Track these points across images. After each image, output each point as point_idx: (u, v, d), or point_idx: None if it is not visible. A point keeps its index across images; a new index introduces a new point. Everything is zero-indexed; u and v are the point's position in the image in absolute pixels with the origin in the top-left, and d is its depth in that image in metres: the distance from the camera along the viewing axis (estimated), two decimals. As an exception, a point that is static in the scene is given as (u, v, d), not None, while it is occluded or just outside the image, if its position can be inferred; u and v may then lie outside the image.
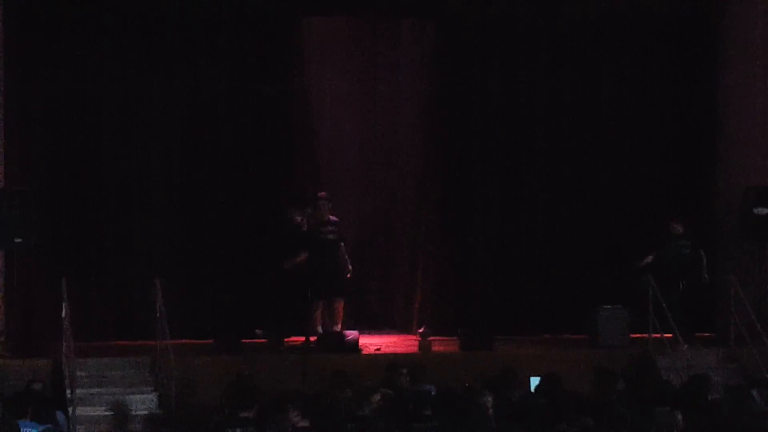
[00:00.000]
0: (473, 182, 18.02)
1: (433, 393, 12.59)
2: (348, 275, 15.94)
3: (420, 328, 15.56)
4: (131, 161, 16.99)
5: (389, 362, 13.61)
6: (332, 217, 15.96)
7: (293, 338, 15.61)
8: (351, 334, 15.29)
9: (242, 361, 14.63)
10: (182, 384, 13.98)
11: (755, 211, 16.03)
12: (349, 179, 17.87)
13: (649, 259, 15.82)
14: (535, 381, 13.14)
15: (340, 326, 15.76)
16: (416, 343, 15.43)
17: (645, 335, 15.62)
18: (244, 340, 15.53)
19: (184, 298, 16.68)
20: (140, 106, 17.00)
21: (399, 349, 15.56)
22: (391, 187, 18.11)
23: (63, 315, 14.14)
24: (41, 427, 10.62)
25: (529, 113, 18.05)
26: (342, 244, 15.96)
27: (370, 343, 15.61)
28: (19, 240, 14.83)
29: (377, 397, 11.25)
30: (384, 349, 15.49)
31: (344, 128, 17.90)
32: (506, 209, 18.04)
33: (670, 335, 15.31)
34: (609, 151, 18.12)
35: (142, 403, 14.13)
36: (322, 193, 16.03)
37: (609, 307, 15.95)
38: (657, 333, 15.44)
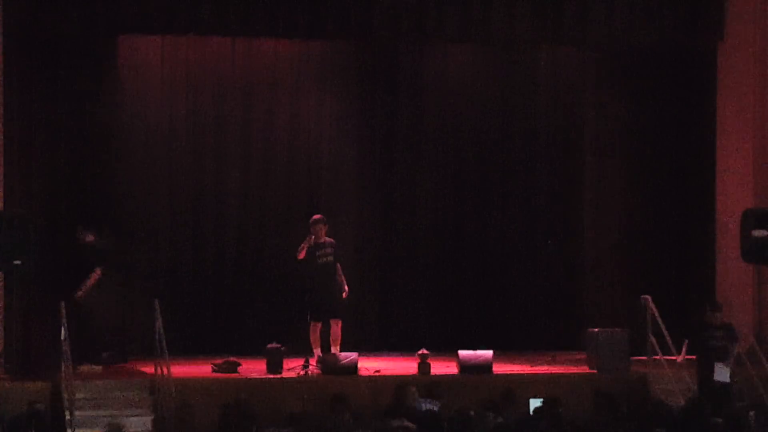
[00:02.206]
0: (473, 205, 18.12)
1: (436, 409, 12.66)
2: (344, 295, 15.92)
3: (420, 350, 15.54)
4: (131, 183, 17.12)
5: (398, 383, 13.65)
6: (328, 239, 15.95)
7: (293, 361, 15.60)
8: (349, 356, 15.26)
9: (241, 383, 14.64)
10: (180, 406, 13.97)
11: (754, 233, 16.07)
12: (347, 201, 17.91)
13: (685, 347, 15.46)
14: (534, 403, 13.14)
15: (338, 348, 15.75)
16: (415, 365, 15.41)
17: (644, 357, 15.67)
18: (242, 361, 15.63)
19: (184, 318, 16.79)
20: (141, 127, 17.14)
21: (398, 371, 15.55)
22: (389, 208, 18.14)
23: (62, 338, 14.14)
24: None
25: (530, 135, 18.18)
26: (338, 265, 15.95)
27: (369, 365, 15.58)
28: (18, 262, 14.83)
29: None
30: (383, 372, 15.48)
31: (342, 151, 17.95)
32: (505, 231, 18.15)
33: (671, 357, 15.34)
34: (607, 172, 18.22)
35: (140, 425, 14.11)
36: (316, 215, 16.03)
37: (608, 330, 15.95)
38: (656, 355, 15.46)
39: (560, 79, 18.27)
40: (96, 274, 15.73)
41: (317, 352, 15.70)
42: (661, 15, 16.94)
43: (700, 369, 14.58)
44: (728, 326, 14.80)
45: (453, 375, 15.33)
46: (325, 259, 15.83)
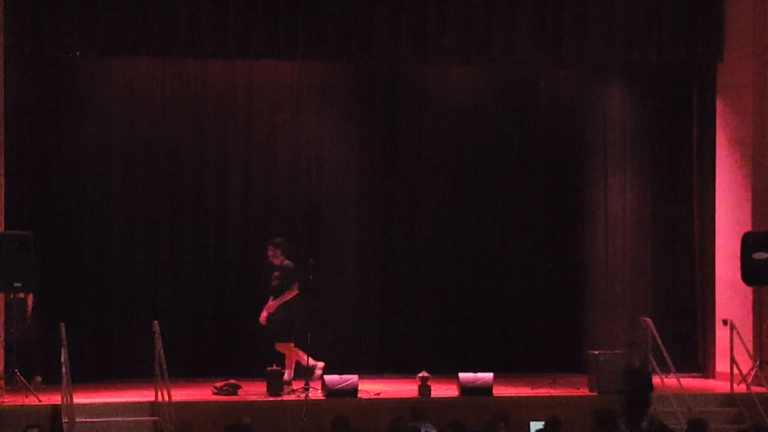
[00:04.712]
0: (473, 227, 18.15)
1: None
2: (272, 318, 15.84)
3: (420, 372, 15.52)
4: (131, 205, 17.18)
5: (393, 416, 13.60)
6: (284, 262, 15.87)
7: (293, 383, 15.58)
8: (350, 378, 15.24)
9: (241, 406, 14.62)
10: (181, 429, 13.93)
11: (755, 255, 16.13)
12: (347, 222, 17.92)
13: None
14: (535, 426, 13.12)
15: (287, 372, 15.69)
16: (416, 387, 15.39)
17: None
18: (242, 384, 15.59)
19: (184, 340, 16.80)
20: (142, 148, 17.20)
21: (398, 394, 15.52)
22: (389, 230, 18.15)
23: (62, 360, 14.13)
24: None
25: (530, 154, 18.24)
26: (294, 286, 15.84)
27: (370, 387, 15.54)
28: (18, 284, 14.83)
29: None
30: (383, 394, 15.44)
31: (343, 171, 17.98)
32: (505, 253, 18.18)
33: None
34: (607, 193, 18.30)
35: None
36: (273, 239, 16.08)
37: (609, 352, 15.92)
38: (656, 376, 15.43)
39: (560, 97, 18.32)
40: (30, 299, 15.75)
41: (304, 361, 15.66)
42: (660, 35, 16.99)
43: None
44: (644, 371, 14.73)
45: (453, 398, 15.31)
46: (272, 282, 15.85)
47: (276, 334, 15.92)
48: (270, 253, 15.93)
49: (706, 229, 17.62)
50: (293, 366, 15.88)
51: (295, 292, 15.80)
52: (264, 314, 15.90)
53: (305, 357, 15.67)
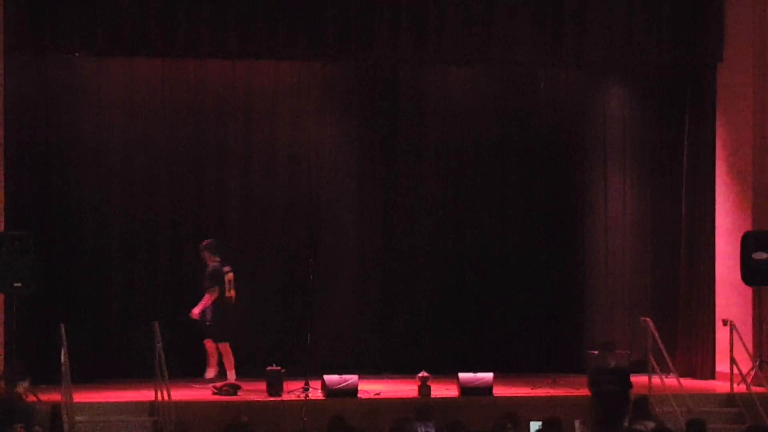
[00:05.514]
0: (473, 227, 18.16)
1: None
2: (207, 322, 16.05)
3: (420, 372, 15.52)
4: (131, 206, 17.17)
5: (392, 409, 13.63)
6: (211, 264, 16.08)
7: (293, 383, 15.57)
8: (349, 378, 15.25)
9: (241, 406, 14.62)
10: (180, 429, 13.93)
11: (754, 255, 16.15)
12: (347, 224, 17.92)
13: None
14: (535, 426, 13.11)
15: (210, 371, 15.91)
16: (416, 387, 15.39)
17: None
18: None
19: (184, 340, 16.79)
20: (141, 149, 17.19)
21: (398, 394, 15.52)
22: (389, 231, 18.15)
23: (62, 360, 14.13)
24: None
25: (530, 155, 18.25)
26: (212, 288, 15.99)
27: (369, 387, 15.54)
28: (18, 284, 14.83)
29: None
30: (383, 394, 15.45)
31: (342, 172, 17.98)
32: (506, 253, 18.20)
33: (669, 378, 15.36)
34: (607, 193, 18.31)
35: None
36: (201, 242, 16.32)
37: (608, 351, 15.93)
38: (656, 376, 15.45)
39: (560, 97, 18.35)
40: None
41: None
42: (660, 36, 17.00)
43: (594, 413, 14.40)
44: (622, 371, 14.68)
45: (453, 398, 15.31)
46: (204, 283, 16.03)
47: (211, 333, 16.14)
48: (201, 255, 16.11)
49: (706, 228, 17.62)
50: (215, 363, 16.18)
51: (213, 296, 15.99)
52: (194, 310, 16.06)
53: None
